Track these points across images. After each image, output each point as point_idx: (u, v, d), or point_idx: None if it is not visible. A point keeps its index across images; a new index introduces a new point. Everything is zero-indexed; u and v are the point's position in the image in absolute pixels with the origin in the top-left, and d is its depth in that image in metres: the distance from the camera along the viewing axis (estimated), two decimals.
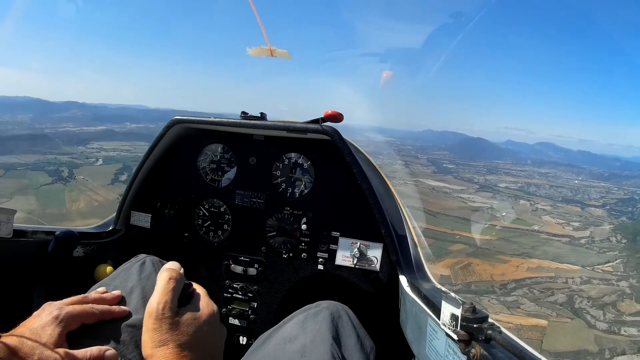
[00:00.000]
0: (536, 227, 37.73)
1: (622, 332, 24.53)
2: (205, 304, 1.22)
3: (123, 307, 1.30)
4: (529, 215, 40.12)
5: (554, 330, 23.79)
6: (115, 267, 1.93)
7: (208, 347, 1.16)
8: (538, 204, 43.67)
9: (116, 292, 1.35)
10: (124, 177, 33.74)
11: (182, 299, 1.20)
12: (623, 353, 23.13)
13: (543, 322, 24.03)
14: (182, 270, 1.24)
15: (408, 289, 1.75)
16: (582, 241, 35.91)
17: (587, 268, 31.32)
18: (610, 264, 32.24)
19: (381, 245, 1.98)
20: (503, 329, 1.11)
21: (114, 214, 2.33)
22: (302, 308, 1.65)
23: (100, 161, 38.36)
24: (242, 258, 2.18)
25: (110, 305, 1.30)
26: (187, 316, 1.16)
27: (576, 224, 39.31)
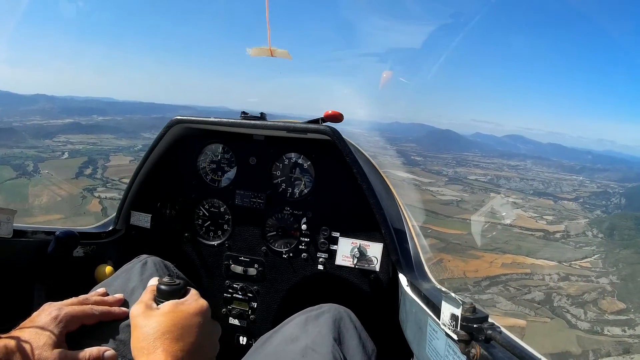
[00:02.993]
0: (508, 221, 37.32)
1: (606, 332, 24.13)
2: (194, 299, 1.23)
3: (123, 309, 1.31)
4: (499, 209, 40.00)
5: (533, 330, 23.28)
6: (115, 267, 1.94)
7: (199, 339, 1.15)
8: (509, 197, 43.22)
9: (118, 296, 1.37)
10: (88, 171, 33.51)
11: (171, 295, 1.22)
12: (608, 355, 22.65)
13: (521, 322, 23.51)
14: (166, 279, 1.25)
15: (408, 289, 1.76)
16: (557, 235, 35.73)
17: (564, 264, 31.11)
18: (588, 259, 32.09)
19: (381, 245, 1.99)
20: (503, 329, 1.12)
21: (114, 214, 2.32)
22: (304, 310, 1.66)
23: (65, 154, 37.81)
24: (242, 258, 2.19)
25: (111, 307, 1.31)
26: (170, 304, 1.18)
27: (550, 217, 39.10)
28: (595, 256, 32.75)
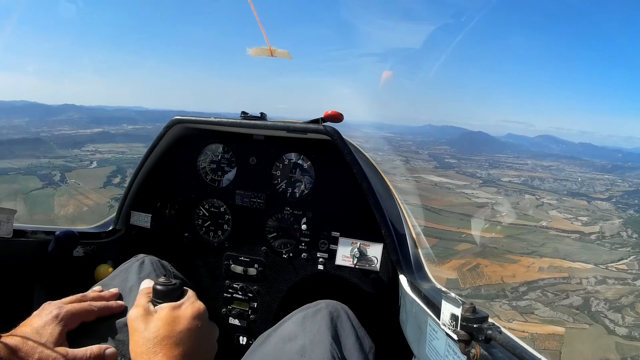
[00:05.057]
0: (544, 223, 36.44)
1: None
2: (191, 302, 1.23)
3: (120, 302, 1.33)
4: (535, 210, 39.03)
5: (572, 338, 22.48)
6: (115, 267, 1.94)
7: (197, 342, 1.15)
8: (543, 198, 42.46)
9: (113, 290, 1.38)
10: (117, 180, 33.28)
11: (167, 295, 1.22)
12: None
13: (560, 329, 22.79)
14: (162, 279, 1.25)
15: (408, 289, 1.74)
16: (592, 237, 34.58)
17: (601, 266, 30.06)
18: (624, 261, 30.93)
19: (381, 245, 1.97)
20: (503, 329, 1.10)
21: (114, 214, 2.34)
22: (301, 307, 1.64)
23: (94, 164, 38.03)
24: (242, 258, 2.18)
25: (108, 302, 1.32)
26: (168, 308, 1.18)
27: (584, 218, 37.95)
28: (631, 257, 31.51)
